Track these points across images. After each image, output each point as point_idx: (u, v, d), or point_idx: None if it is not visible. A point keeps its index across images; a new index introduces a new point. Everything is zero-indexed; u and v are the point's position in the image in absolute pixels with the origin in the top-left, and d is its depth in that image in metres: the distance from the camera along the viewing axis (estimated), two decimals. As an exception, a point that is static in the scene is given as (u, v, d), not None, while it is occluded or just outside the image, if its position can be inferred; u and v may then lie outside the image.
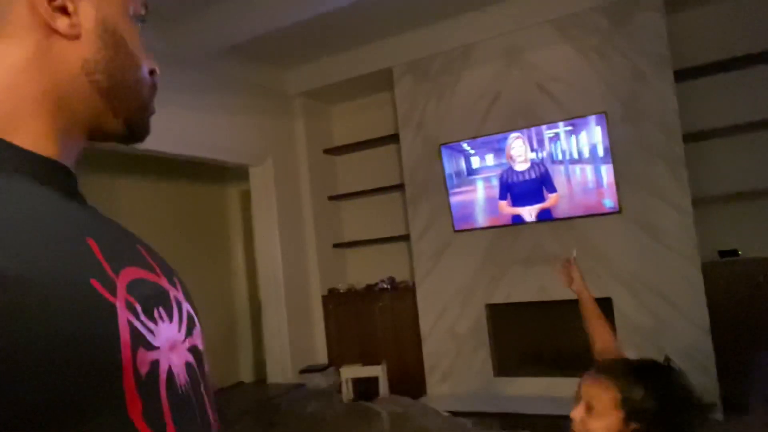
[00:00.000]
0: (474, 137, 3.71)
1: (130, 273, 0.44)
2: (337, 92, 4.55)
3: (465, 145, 3.70)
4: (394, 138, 4.24)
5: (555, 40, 3.57)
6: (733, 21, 3.42)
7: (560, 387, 3.51)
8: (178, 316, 0.49)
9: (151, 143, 3.50)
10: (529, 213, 3.55)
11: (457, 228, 3.78)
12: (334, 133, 4.84)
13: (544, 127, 3.47)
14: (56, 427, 0.34)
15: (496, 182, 3.62)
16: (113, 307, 0.39)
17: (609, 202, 3.34)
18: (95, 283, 0.39)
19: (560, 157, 3.43)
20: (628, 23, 3.37)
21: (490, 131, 3.68)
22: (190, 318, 0.51)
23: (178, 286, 0.53)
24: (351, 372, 4.05)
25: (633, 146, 3.35)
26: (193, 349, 0.50)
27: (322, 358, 4.39)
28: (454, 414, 3.39)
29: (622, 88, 3.39)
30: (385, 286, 4.29)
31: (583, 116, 3.38)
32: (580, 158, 3.39)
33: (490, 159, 3.63)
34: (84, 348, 0.36)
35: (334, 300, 4.42)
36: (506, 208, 3.61)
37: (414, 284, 4.08)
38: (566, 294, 3.52)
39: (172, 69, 3.48)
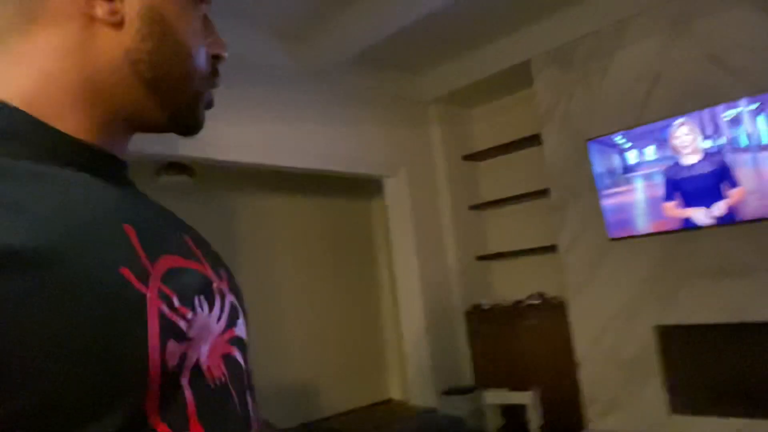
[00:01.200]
0: (629, 128, 3.14)
1: (169, 261, 0.43)
2: (474, 94, 4.26)
3: (618, 138, 3.16)
4: (538, 138, 3.82)
5: (733, 2, 2.88)
6: None
7: (756, 431, 2.77)
8: (219, 305, 0.47)
9: (285, 159, 3.57)
10: (705, 215, 2.88)
11: (612, 235, 3.23)
12: (474, 138, 4.55)
13: (720, 107, 2.81)
14: (68, 418, 0.33)
15: (660, 179, 3.01)
16: (143, 297, 0.38)
17: (821, 196, 2.56)
18: (125, 272, 0.38)
19: (745, 143, 2.73)
20: (838, -38, 2.59)
21: (650, 119, 3.09)
22: (233, 308, 0.49)
23: (224, 277, 0.51)
24: (496, 397, 3.69)
25: None
26: (235, 341, 0.48)
27: (467, 379, 4.09)
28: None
29: (833, 47, 2.60)
30: (534, 302, 3.86)
31: (776, 89, 2.65)
32: (774, 143, 2.67)
33: (650, 152, 3.04)
34: (105, 337, 0.35)
35: (478, 317, 4.10)
36: (674, 211, 2.98)
37: (565, 300, 3.59)
38: None
39: (303, 84, 3.54)
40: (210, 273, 0.48)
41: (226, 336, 0.47)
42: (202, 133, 0.55)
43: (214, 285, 0.47)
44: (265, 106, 3.33)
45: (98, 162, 0.46)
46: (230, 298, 0.50)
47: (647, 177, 3.06)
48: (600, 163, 3.23)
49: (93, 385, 0.34)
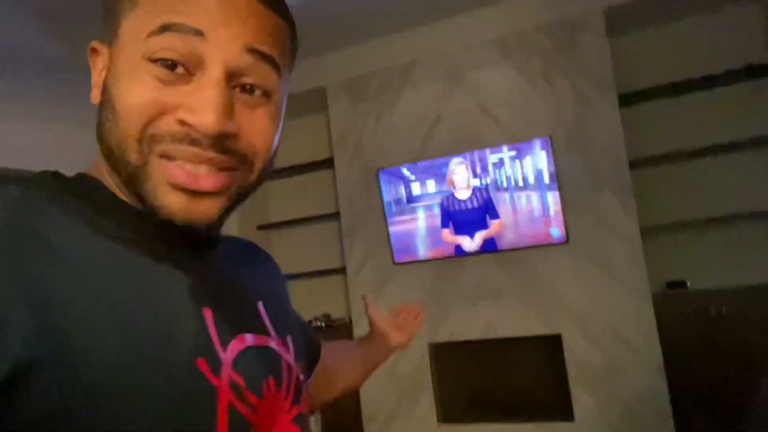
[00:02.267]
0: (414, 162, 3.44)
1: (241, 342, 0.43)
2: (269, 113, 4.20)
3: (405, 171, 3.43)
4: (330, 162, 3.92)
5: (498, 61, 3.38)
6: (681, 44, 3.33)
7: (509, 436, 3.21)
8: (287, 383, 0.47)
9: (67, 171, 3.11)
10: (471, 242, 3.29)
11: (397, 260, 3.47)
12: (265, 158, 4.47)
13: (487, 151, 3.24)
14: None
15: (437, 210, 3.35)
16: (214, 389, 0.38)
17: (556, 231, 3.12)
18: (200, 363, 0.38)
19: (505, 183, 3.20)
20: (570, 45, 3.22)
21: (431, 156, 3.43)
22: (298, 384, 0.49)
23: (291, 346, 0.51)
24: (280, 423, 3.62)
25: (579, 172, 3.17)
26: (298, 419, 0.47)
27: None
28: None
29: (566, 112, 3.22)
30: (319, 324, 3.91)
31: (528, 140, 3.17)
32: (525, 185, 3.17)
33: (431, 185, 3.36)
34: (175, 428, 0.35)
35: (263, 341, 3.99)
36: (448, 237, 3.33)
37: (351, 322, 3.72)
38: (514, 331, 3.28)
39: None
40: (279, 346, 0.48)
41: (291, 415, 0.46)
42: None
43: (283, 360, 0.47)
44: (42, 104, 2.79)
45: (173, 236, 0.45)
46: (296, 370, 0.50)
47: (428, 207, 3.36)
48: (388, 192, 3.45)
49: None
